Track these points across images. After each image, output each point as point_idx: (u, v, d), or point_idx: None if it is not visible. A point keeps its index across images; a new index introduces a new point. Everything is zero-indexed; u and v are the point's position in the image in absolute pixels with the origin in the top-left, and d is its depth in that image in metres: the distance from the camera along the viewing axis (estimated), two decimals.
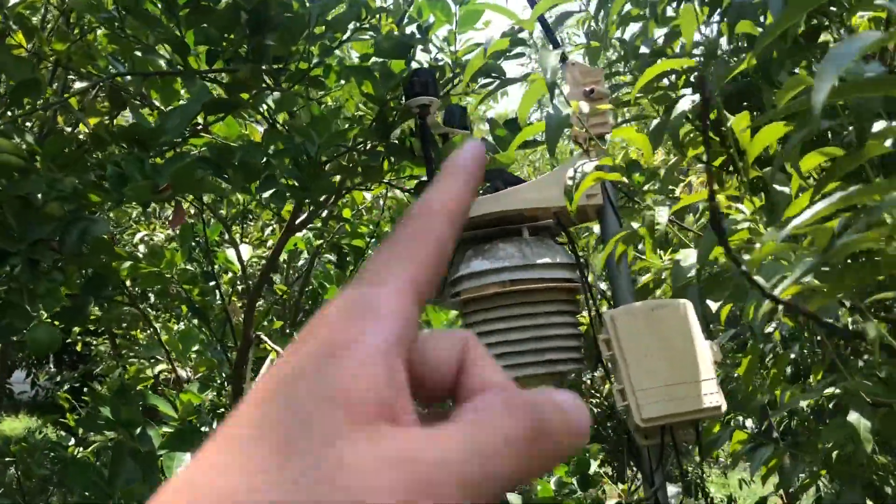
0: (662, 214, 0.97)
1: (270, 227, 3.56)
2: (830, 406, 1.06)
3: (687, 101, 0.99)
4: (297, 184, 1.25)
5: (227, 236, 3.13)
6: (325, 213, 1.73)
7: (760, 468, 1.65)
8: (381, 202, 2.76)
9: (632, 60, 1.66)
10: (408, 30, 1.56)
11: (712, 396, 1.17)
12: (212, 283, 2.42)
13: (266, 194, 1.37)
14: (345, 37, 1.55)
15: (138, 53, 1.50)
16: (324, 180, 1.28)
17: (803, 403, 2.02)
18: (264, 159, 1.30)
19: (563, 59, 1.26)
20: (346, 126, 1.26)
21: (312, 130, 1.20)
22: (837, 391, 0.96)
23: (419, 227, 0.28)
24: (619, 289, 1.32)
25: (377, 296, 0.25)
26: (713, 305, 1.01)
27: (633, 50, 1.61)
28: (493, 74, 1.60)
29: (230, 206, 3.01)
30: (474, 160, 0.32)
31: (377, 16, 1.56)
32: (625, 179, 1.04)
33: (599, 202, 1.32)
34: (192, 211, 4.03)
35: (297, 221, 1.73)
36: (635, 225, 1.04)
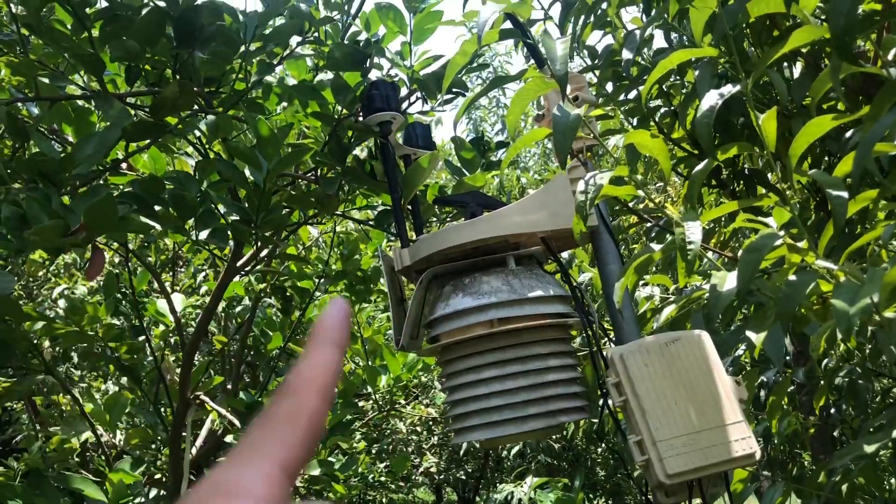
0: (695, 231, 0.80)
1: (203, 273, 3.30)
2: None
3: (713, 95, 0.83)
4: (241, 219, 1.05)
5: (156, 285, 2.87)
6: (268, 252, 1.53)
7: None
8: (321, 240, 2.55)
9: (603, 68, 1.52)
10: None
11: (744, 442, 1.01)
12: (141, 339, 2.16)
13: (204, 234, 1.16)
14: (286, 52, 1.36)
15: (45, 80, 1.28)
16: (274, 213, 1.08)
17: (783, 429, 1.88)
18: (200, 192, 1.10)
19: (540, 64, 1.10)
20: (299, 148, 1.07)
21: (259, 154, 1.00)
22: None
23: (291, 406, 0.32)
24: (624, 322, 1.15)
25: (244, 478, 0.28)
26: (754, 337, 0.85)
27: (608, 56, 1.46)
28: (455, 90, 1.43)
29: (159, 252, 2.76)
30: (340, 323, 0.35)
31: (322, 28, 1.38)
32: (641, 193, 0.87)
33: (594, 223, 1.16)
34: (116, 259, 3.73)
35: (239, 263, 1.52)
36: (655, 246, 0.87)
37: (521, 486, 4.29)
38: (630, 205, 1.31)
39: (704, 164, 0.85)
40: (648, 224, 1.59)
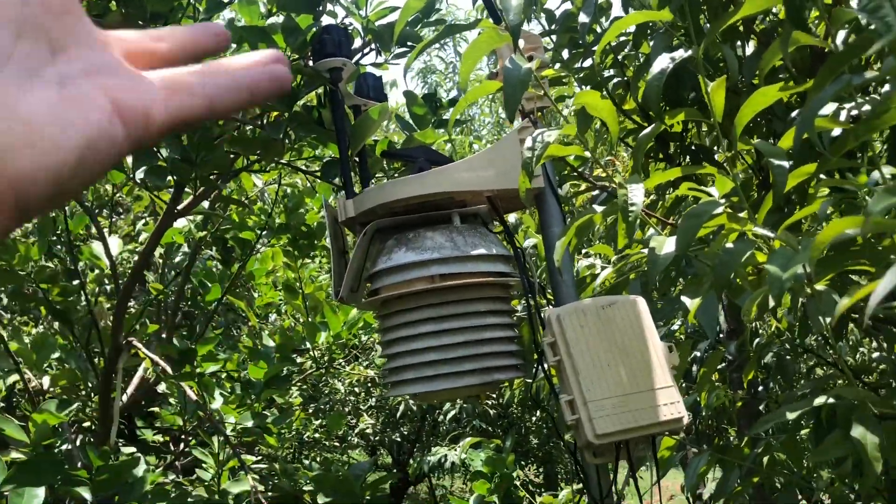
0: (637, 194, 0.81)
1: (143, 220, 3.22)
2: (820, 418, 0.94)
3: (665, 59, 0.83)
4: (181, 158, 1.01)
5: (93, 230, 2.79)
6: (211, 198, 1.49)
7: (696, 477, 1.54)
8: (266, 193, 2.50)
9: (560, 32, 1.51)
10: None
11: (672, 406, 1.03)
12: (75, 282, 2.10)
13: (141, 172, 1.13)
14: None
15: None
16: (216, 154, 1.05)
17: (716, 402, 1.94)
18: None
19: (497, 19, 1.09)
20: None
21: None
22: (831, 401, 0.83)
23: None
24: (563, 284, 1.15)
25: None
26: (689, 303, 0.86)
27: (565, 21, 1.46)
28: (410, 43, 1.41)
29: (97, 195, 2.68)
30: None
31: None
32: (588, 155, 0.87)
33: (539, 185, 1.16)
34: None
35: (178, 208, 1.48)
36: (598, 208, 0.87)
37: (455, 450, 4.34)
38: (578, 170, 1.31)
39: (651, 128, 0.86)
40: (594, 193, 1.60)
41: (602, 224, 0.88)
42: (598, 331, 1.04)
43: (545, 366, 1.13)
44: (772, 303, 0.83)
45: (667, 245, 0.85)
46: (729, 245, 0.84)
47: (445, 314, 1.09)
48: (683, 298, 0.86)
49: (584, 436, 1.00)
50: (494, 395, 4.98)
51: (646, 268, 1.31)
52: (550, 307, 1.13)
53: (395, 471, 5.75)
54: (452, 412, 4.74)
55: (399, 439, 5.31)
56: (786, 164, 0.78)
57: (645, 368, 1.04)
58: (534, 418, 5.80)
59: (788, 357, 1.51)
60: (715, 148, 1.59)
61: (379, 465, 8.59)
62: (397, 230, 1.16)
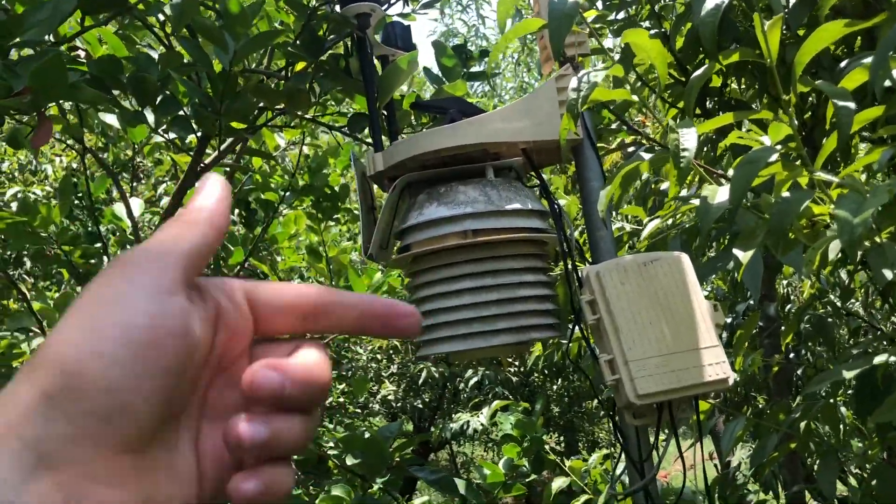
0: (689, 139, 0.76)
1: (164, 185, 3.20)
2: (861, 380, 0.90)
3: None
4: (204, 105, 0.97)
5: (115, 193, 2.77)
6: (237, 151, 1.44)
7: (732, 442, 1.50)
8: (287, 159, 2.45)
9: None
10: None
11: (718, 366, 0.98)
12: (97, 245, 2.08)
13: (158, 134, 1.09)
14: None
15: None
16: (240, 101, 1.00)
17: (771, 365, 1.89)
18: (161, 78, 1.02)
19: None
20: (270, 31, 0.99)
21: (226, 33, 0.92)
22: (893, 359, 0.78)
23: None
24: (601, 241, 1.11)
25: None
26: (741, 255, 0.81)
27: None
28: None
29: (118, 163, 2.65)
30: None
31: None
32: (636, 98, 0.82)
33: (578, 136, 1.10)
34: (74, 164, 3.59)
35: (201, 166, 1.44)
36: (646, 155, 0.82)
37: (478, 416, 4.33)
38: (621, 118, 1.25)
39: (705, 68, 0.80)
40: (629, 149, 1.55)
41: (649, 172, 0.83)
42: (639, 288, 1.00)
43: (581, 325, 1.09)
44: (832, 254, 0.78)
45: (719, 194, 0.80)
46: (785, 194, 0.79)
47: (479, 271, 1.05)
48: (735, 251, 0.81)
49: (625, 396, 0.96)
50: (517, 363, 4.95)
51: (687, 224, 1.26)
52: (587, 265, 1.08)
53: (413, 437, 5.77)
54: (474, 379, 4.72)
55: (420, 406, 5.31)
56: (852, 104, 0.72)
57: (689, 327, 0.99)
58: (554, 386, 5.78)
59: (830, 320, 1.46)
60: (756, 103, 1.52)
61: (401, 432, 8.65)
62: (428, 185, 1.11)
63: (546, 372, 5.02)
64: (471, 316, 1.04)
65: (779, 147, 0.80)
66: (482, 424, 3.92)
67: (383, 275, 2.15)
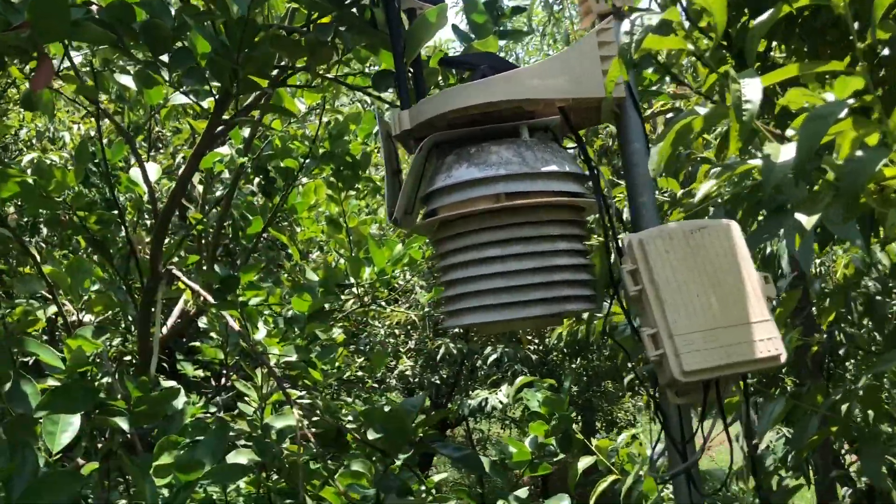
0: (754, 89, 0.68)
1: (181, 154, 3.15)
2: None
3: None
4: (221, 55, 0.90)
5: (131, 159, 2.72)
6: (258, 108, 1.38)
7: (770, 423, 1.43)
8: (307, 131, 2.38)
9: None
10: None
11: (770, 342, 0.91)
12: (114, 212, 2.03)
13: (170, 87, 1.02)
14: None
15: None
16: (259, 52, 0.94)
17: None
18: (175, 25, 0.95)
19: None
20: None
21: None
22: None
23: None
24: (643, 208, 1.03)
25: None
26: (805, 220, 0.74)
27: None
28: None
29: (135, 129, 2.59)
30: None
31: None
32: (690, 47, 0.74)
33: (620, 95, 1.03)
34: (92, 132, 3.54)
35: (218, 129, 1.38)
36: (701, 110, 0.75)
37: (496, 393, 4.28)
38: (670, 71, 1.17)
39: (771, 12, 0.72)
40: (668, 116, 1.47)
41: (702, 127, 0.75)
42: (685, 257, 0.93)
43: (620, 298, 1.02)
44: None
45: (783, 153, 0.72)
46: (858, 153, 0.72)
47: (512, 237, 0.98)
48: (799, 216, 0.73)
49: (669, 372, 0.89)
50: (536, 340, 4.89)
51: (726, 195, 1.18)
52: (628, 234, 1.01)
53: (433, 413, 5.74)
54: (493, 356, 4.67)
55: (438, 382, 5.28)
56: None
57: (739, 299, 0.92)
58: (573, 365, 5.72)
59: (878, 298, 1.38)
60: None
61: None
62: (458, 145, 1.04)
63: (566, 350, 4.96)
64: (501, 285, 0.97)
65: (851, 101, 0.72)
66: (501, 402, 3.87)
67: (404, 246, 2.08)
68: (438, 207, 1.03)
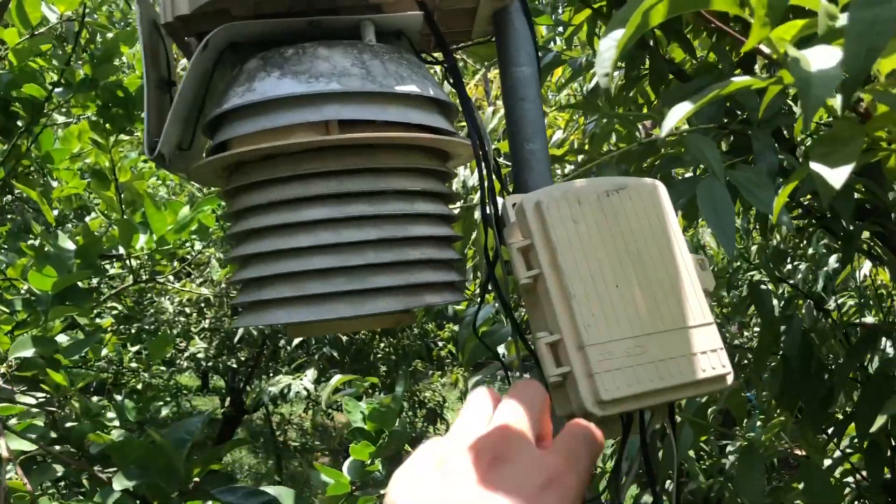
0: None
1: None
2: None
3: None
4: None
5: None
6: None
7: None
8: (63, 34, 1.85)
9: None
10: None
11: (714, 356, 0.63)
12: None
13: None
14: None
15: None
16: None
17: None
18: None
19: None
20: None
21: None
22: None
23: None
24: (532, 158, 0.72)
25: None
26: (828, 173, 0.46)
27: None
28: None
29: None
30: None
31: None
32: None
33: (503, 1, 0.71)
34: None
35: None
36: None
37: (301, 379, 3.90)
38: None
39: None
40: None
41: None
42: (600, 230, 0.63)
43: (497, 287, 0.71)
44: None
45: (822, 58, 0.44)
46: None
47: (346, 191, 0.64)
48: (816, 167, 0.45)
49: (578, 401, 0.59)
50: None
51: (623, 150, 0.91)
52: (510, 194, 0.70)
53: (227, 401, 5.23)
54: (298, 339, 4.26)
55: (235, 365, 4.78)
56: None
57: (672, 293, 0.64)
58: (382, 344, 5.44)
59: (763, 287, 1.18)
60: None
61: (210, 388, 7.97)
62: (266, 45, 0.68)
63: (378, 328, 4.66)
64: (330, 265, 0.62)
65: None
66: (306, 389, 3.50)
67: (192, 209, 1.66)
68: (231, 140, 0.66)
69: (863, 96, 0.53)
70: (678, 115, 0.47)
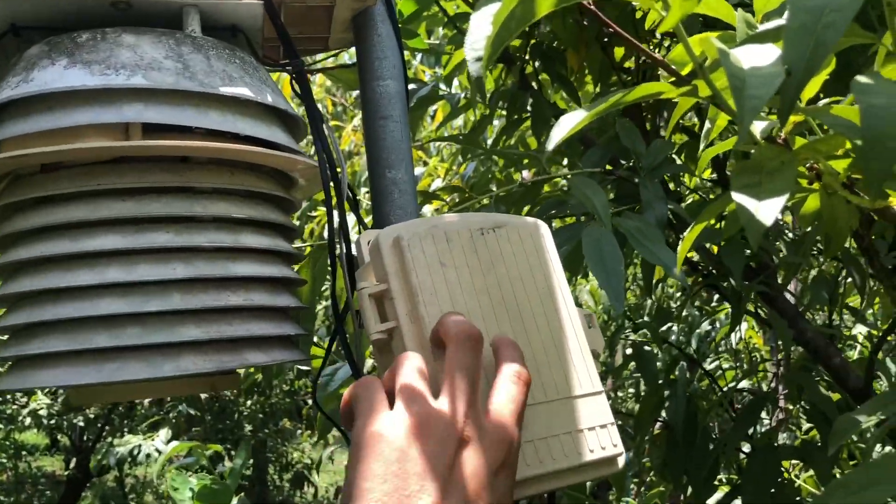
0: None
1: None
2: None
3: None
4: None
5: None
6: None
7: None
8: None
9: None
10: None
11: (603, 433, 0.52)
12: None
13: None
14: None
15: None
16: None
17: None
18: None
19: None
20: None
21: None
22: None
23: None
24: (395, 190, 0.60)
25: None
26: (759, 210, 0.36)
27: None
28: None
29: None
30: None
31: None
32: None
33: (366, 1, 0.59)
34: None
35: None
36: None
37: (153, 440, 3.57)
38: None
39: None
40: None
41: None
42: (471, 275, 0.51)
43: (347, 342, 0.58)
44: None
45: (757, 56, 0.34)
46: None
47: (148, 215, 0.49)
48: (739, 198, 0.35)
49: None
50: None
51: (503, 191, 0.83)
52: (368, 230, 0.57)
53: (72, 462, 4.75)
54: None
55: (83, 423, 4.36)
56: None
57: (555, 355, 0.53)
58: (248, 402, 5.14)
59: (647, 348, 1.10)
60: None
61: (60, 447, 7.30)
62: (54, 31, 0.53)
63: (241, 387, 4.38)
64: (121, 311, 0.47)
65: None
66: (158, 450, 3.20)
67: None
68: (1, 143, 0.51)
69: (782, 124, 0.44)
70: (570, 123, 0.36)
